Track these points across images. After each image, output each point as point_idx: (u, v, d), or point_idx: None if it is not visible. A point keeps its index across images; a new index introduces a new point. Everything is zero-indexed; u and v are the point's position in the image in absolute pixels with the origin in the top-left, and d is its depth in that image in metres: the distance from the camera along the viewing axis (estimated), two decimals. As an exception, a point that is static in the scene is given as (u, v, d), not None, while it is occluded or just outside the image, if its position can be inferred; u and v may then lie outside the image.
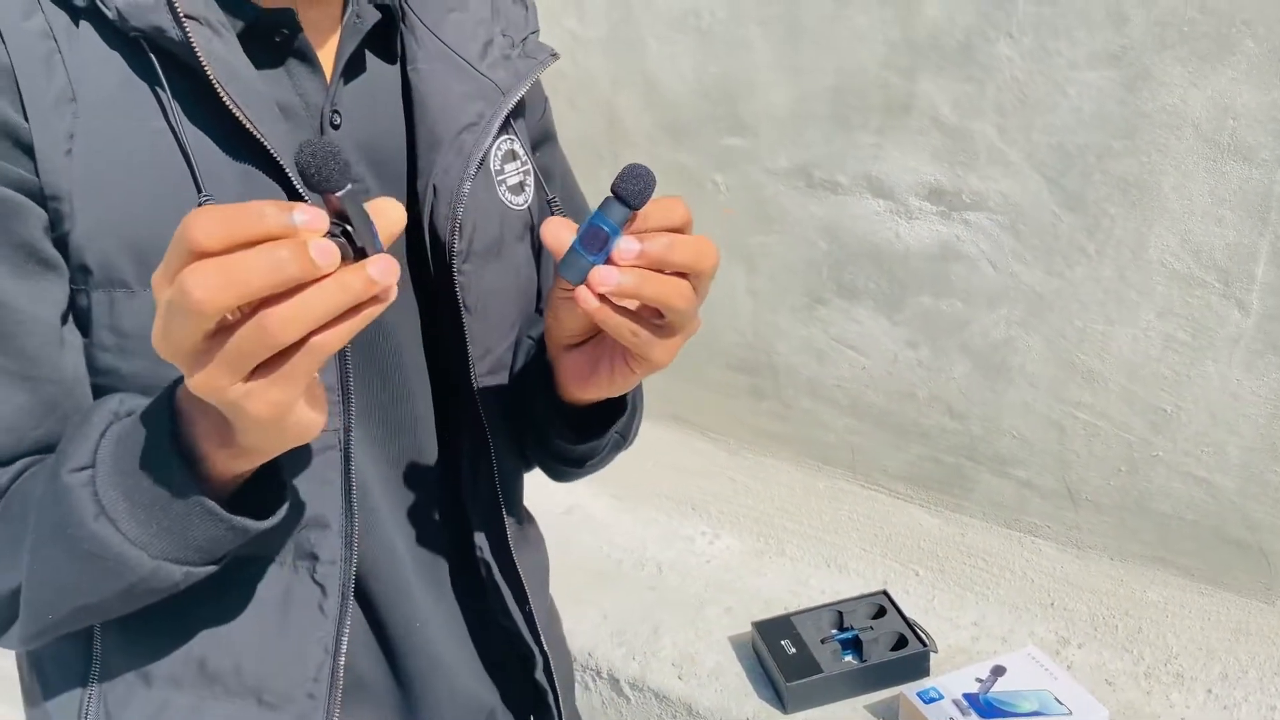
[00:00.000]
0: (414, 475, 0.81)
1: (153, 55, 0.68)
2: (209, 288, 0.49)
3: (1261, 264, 1.01)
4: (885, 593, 1.21)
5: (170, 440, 0.61)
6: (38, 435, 0.68)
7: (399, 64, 0.78)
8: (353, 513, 0.76)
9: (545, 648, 0.90)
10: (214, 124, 0.69)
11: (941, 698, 1.09)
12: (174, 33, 0.66)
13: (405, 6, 0.78)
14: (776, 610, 1.22)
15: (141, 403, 0.65)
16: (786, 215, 1.31)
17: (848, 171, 1.24)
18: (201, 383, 0.53)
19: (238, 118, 0.67)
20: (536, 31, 0.84)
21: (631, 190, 0.57)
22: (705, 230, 1.46)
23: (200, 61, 0.67)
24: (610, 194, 0.57)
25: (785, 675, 1.11)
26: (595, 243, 0.57)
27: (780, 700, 1.12)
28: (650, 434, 1.55)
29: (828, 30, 1.20)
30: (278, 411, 0.55)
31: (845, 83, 1.20)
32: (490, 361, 0.79)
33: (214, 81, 0.67)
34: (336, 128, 0.73)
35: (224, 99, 0.67)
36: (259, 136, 0.68)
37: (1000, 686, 1.10)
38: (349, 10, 0.75)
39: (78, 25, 0.67)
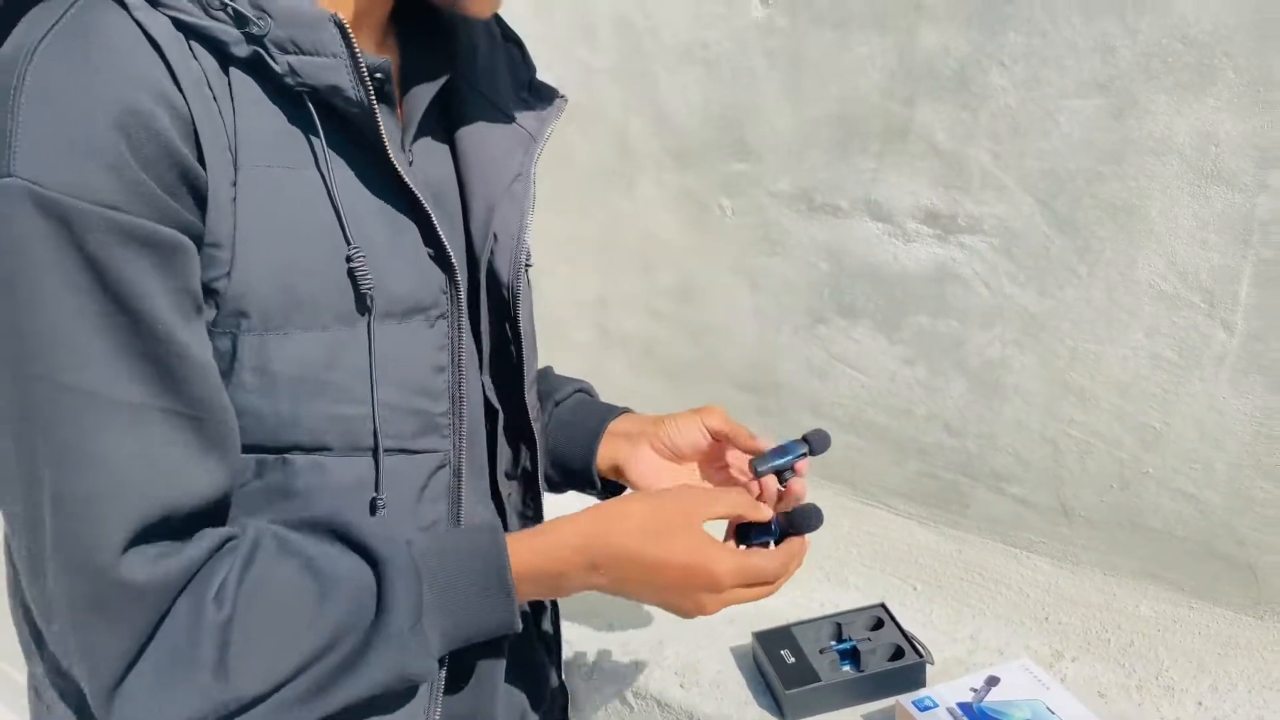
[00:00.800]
0: (480, 485, 0.89)
1: (312, 107, 0.71)
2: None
3: (1245, 285, 1.05)
4: (883, 605, 1.24)
5: (506, 594, 0.76)
6: (208, 479, 0.69)
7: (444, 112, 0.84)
8: (460, 521, 0.84)
9: (562, 648, 0.97)
10: (361, 170, 0.74)
11: (936, 706, 1.11)
12: (353, 92, 0.70)
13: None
14: (777, 621, 1.25)
15: (443, 548, 0.76)
16: (789, 238, 1.35)
17: (848, 195, 1.28)
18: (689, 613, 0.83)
19: (395, 169, 0.74)
20: (534, 71, 0.90)
21: (818, 446, 0.94)
22: (714, 250, 1.51)
23: (377, 120, 0.71)
24: (805, 438, 0.95)
25: (784, 683, 1.14)
26: (779, 455, 0.94)
27: (779, 708, 1.15)
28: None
29: (830, 60, 1.24)
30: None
31: (846, 110, 1.25)
32: (530, 382, 0.89)
33: (384, 138, 0.72)
34: (410, 166, 0.79)
35: (389, 153, 0.73)
36: (412, 187, 0.75)
37: (994, 696, 1.12)
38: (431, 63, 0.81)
39: (227, 74, 0.68)
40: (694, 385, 1.52)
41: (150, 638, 0.67)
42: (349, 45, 0.68)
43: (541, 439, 0.93)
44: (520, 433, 0.91)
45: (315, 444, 0.74)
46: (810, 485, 1.45)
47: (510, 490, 0.92)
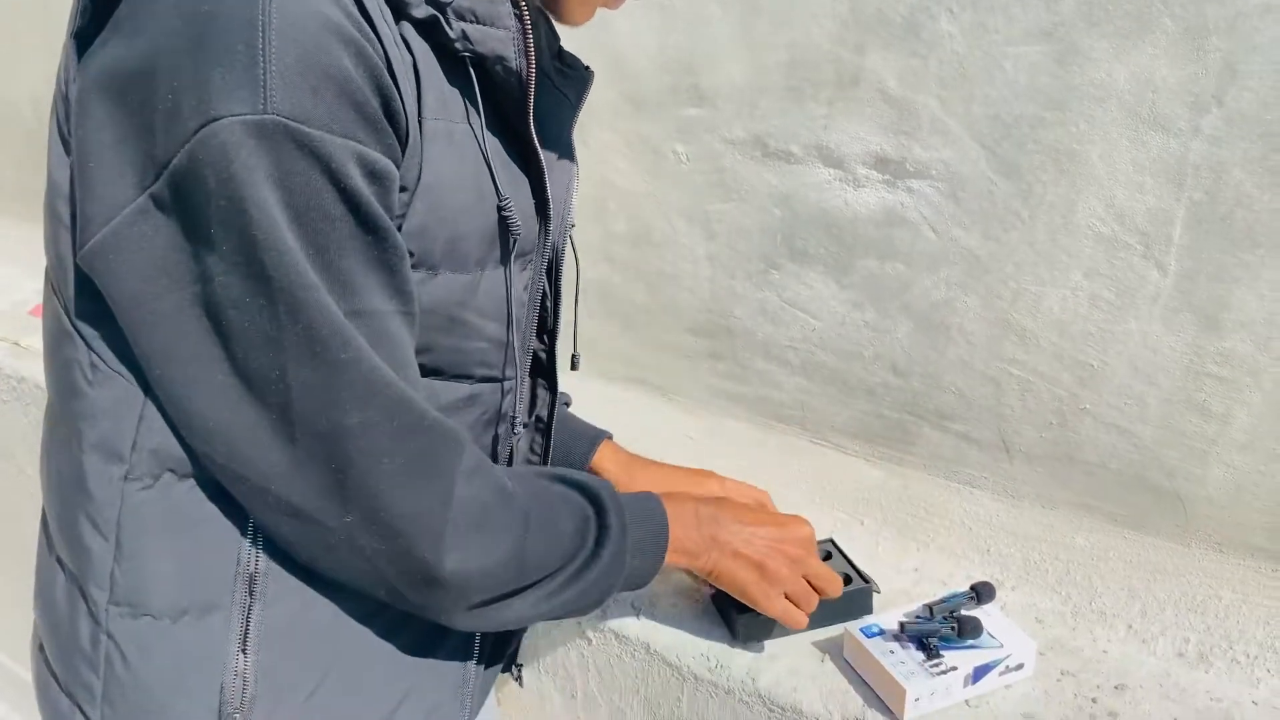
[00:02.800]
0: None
1: (473, 71, 0.77)
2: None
3: (1178, 228, 1.09)
4: (832, 539, 1.28)
5: (660, 558, 0.97)
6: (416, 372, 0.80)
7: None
8: (499, 446, 0.95)
9: None
10: (496, 127, 0.82)
11: (883, 632, 1.16)
12: (516, 63, 0.78)
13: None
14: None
15: (626, 498, 0.93)
16: (743, 184, 1.37)
17: (800, 141, 1.30)
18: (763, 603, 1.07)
19: (528, 136, 0.83)
20: (560, 40, 0.95)
21: (985, 596, 1.14)
22: (668, 196, 1.53)
23: (530, 89, 0.79)
24: (974, 588, 1.14)
25: (737, 609, 1.18)
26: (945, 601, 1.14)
27: (732, 631, 1.19)
28: (612, 395, 1.63)
29: (783, 7, 1.26)
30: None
31: (799, 57, 1.27)
32: (558, 334, 1.01)
33: (530, 108, 0.80)
34: None
35: (529, 118, 0.81)
36: (538, 148, 0.84)
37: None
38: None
39: (396, 27, 0.72)
40: (649, 332, 1.55)
41: (454, 485, 0.78)
42: (521, 22, 0.76)
43: (561, 394, 1.06)
44: (547, 380, 1.01)
45: (433, 368, 0.83)
46: (761, 428, 1.50)
47: (524, 442, 1.03)
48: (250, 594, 0.79)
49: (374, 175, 0.70)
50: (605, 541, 0.88)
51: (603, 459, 1.17)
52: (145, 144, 0.66)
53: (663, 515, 0.95)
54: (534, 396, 1.02)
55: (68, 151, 0.74)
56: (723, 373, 1.50)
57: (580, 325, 1.09)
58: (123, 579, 0.79)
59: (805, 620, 1.10)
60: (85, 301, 0.76)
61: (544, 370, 1.01)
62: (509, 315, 0.86)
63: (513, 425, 0.94)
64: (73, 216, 0.73)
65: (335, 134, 0.66)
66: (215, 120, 0.63)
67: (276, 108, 0.63)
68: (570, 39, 1.43)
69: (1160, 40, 1.04)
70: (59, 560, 0.86)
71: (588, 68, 0.96)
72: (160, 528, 0.78)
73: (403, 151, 0.72)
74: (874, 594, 1.21)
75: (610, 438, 1.20)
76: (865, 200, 1.28)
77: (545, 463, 1.06)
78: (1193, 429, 1.15)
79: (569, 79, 0.93)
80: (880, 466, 1.40)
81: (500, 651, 1.06)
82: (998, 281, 1.21)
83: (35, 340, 2.12)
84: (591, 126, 1.46)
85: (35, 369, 2.03)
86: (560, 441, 1.13)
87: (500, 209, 0.81)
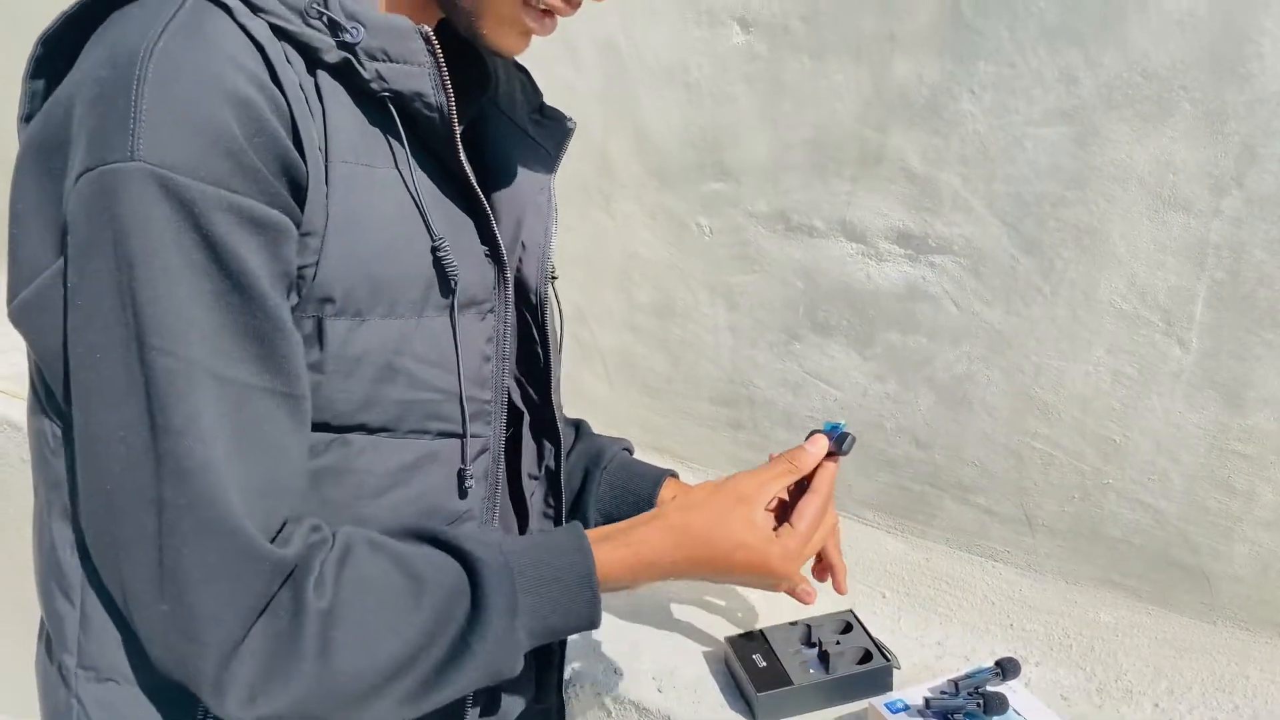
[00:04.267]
0: (501, 472, 0.94)
1: (394, 111, 0.76)
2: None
3: (1200, 305, 1.11)
4: (851, 611, 1.28)
5: (591, 591, 0.81)
6: (299, 454, 0.73)
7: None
8: (495, 504, 0.90)
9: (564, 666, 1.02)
10: (429, 169, 0.80)
11: (908, 707, 1.15)
12: (434, 98, 0.76)
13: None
14: (750, 626, 1.28)
15: (526, 547, 0.81)
16: (765, 256, 1.39)
17: (823, 216, 1.32)
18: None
19: (463, 169, 0.80)
20: (542, 97, 0.95)
21: (1010, 672, 1.09)
22: (692, 267, 1.55)
23: (454, 124, 0.77)
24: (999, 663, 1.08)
25: (756, 686, 1.17)
26: None
27: (751, 710, 1.18)
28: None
29: (807, 86, 1.29)
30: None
31: (822, 135, 1.30)
32: (556, 383, 0.95)
33: (459, 145, 0.78)
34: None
35: (460, 154, 0.79)
36: (475, 188, 0.81)
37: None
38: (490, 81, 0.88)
39: (314, 76, 0.72)
40: (671, 399, 1.56)
41: (255, 618, 0.69)
42: (434, 56, 0.75)
43: (564, 439, 1.00)
44: (546, 433, 0.96)
45: (380, 425, 0.78)
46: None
47: (534, 489, 0.97)
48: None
49: (254, 224, 0.68)
50: (482, 606, 0.76)
51: (666, 496, 1.11)
52: (58, 205, 0.69)
53: (574, 542, 0.83)
54: (539, 449, 1.00)
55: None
56: (744, 442, 1.50)
57: (599, 392, 1.10)
58: (87, 644, 0.79)
59: (815, 595, 1.03)
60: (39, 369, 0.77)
61: (539, 421, 0.97)
62: (457, 364, 0.82)
63: (497, 476, 0.89)
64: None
65: (205, 182, 0.66)
66: (88, 170, 0.66)
67: (143, 155, 0.64)
68: (596, 113, 1.47)
69: (1180, 124, 1.06)
70: (41, 624, 0.87)
71: (570, 119, 0.95)
72: None
73: (304, 197, 0.72)
74: (894, 670, 1.20)
75: (675, 475, 1.14)
76: (887, 274, 1.29)
77: (560, 516, 1.03)
78: (1217, 505, 1.15)
79: (547, 129, 0.93)
80: (902, 539, 1.40)
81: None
82: (1020, 356, 1.23)
83: None
84: (616, 198, 1.49)
85: None
86: (624, 485, 1.09)
87: (434, 249, 0.78)
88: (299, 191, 0.71)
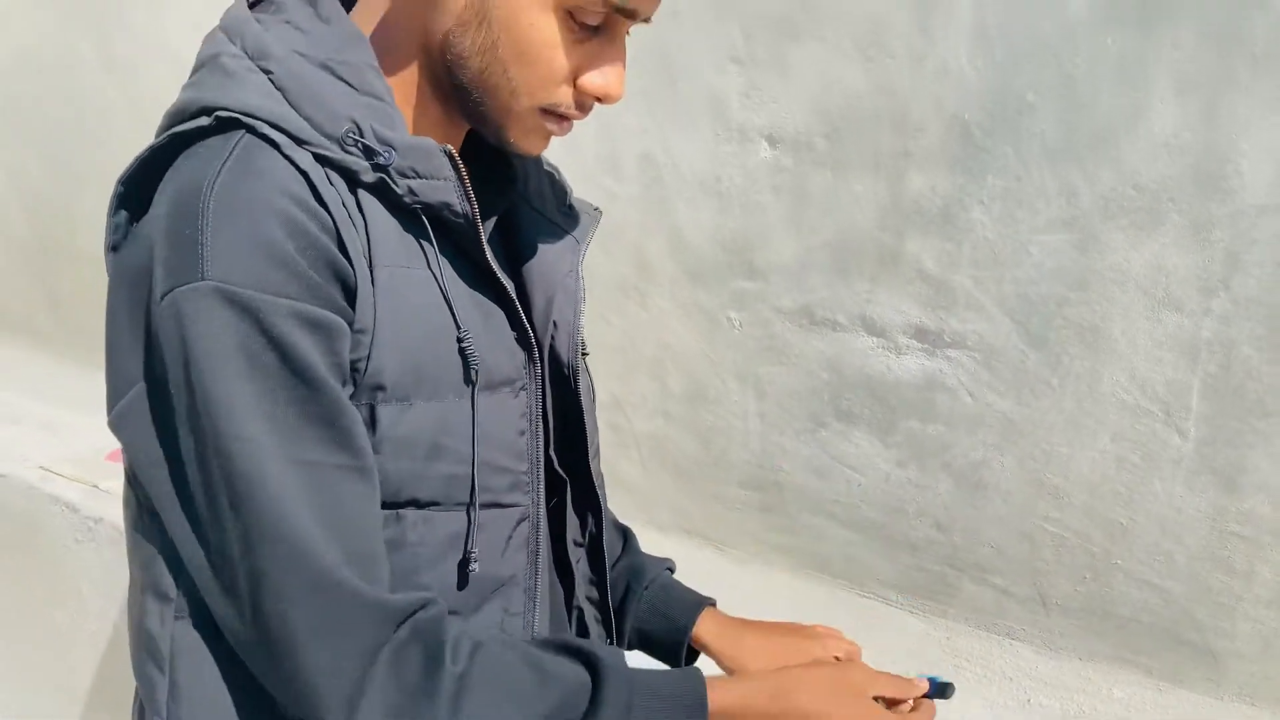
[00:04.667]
0: (544, 540, 1.01)
1: (426, 220, 0.86)
2: None
3: (1195, 397, 1.20)
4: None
5: (703, 715, 0.85)
6: (377, 522, 0.81)
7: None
8: (538, 571, 0.96)
9: None
10: (459, 267, 0.89)
11: (931, 777, 1.21)
12: (460, 207, 0.86)
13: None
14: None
15: (648, 670, 0.87)
16: (791, 349, 1.50)
17: (846, 312, 1.43)
18: None
19: (489, 266, 0.89)
20: (570, 192, 1.06)
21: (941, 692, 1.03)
22: (722, 359, 1.65)
23: (480, 231, 0.87)
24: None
25: None
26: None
27: None
28: (665, 547, 1.71)
29: (828, 196, 1.41)
30: None
31: (843, 239, 1.41)
32: (594, 452, 1.02)
33: (485, 245, 0.88)
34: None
35: (486, 254, 0.89)
36: (502, 281, 0.91)
37: (982, 769, 1.23)
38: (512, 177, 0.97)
39: (355, 194, 0.83)
40: (702, 483, 1.65)
41: (374, 663, 0.76)
42: (458, 170, 0.85)
43: (606, 510, 1.06)
44: (587, 502, 1.04)
45: (429, 499, 0.86)
46: (809, 579, 1.58)
47: (579, 557, 1.04)
48: None
49: (311, 324, 0.77)
50: (599, 708, 0.81)
51: (704, 625, 1.16)
52: (144, 326, 0.79)
53: (698, 689, 0.90)
54: (582, 519, 1.07)
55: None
56: (772, 525, 1.59)
57: (633, 477, 1.18)
58: (175, 709, 0.86)
59: None
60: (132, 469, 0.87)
61: (580, 492, 1.04)
62: (473, 440, 0.88)
63: (530, 553, 0.96)
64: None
65: (265, 292, 0.75)
66: (166, 294, 0.76)
67: (211, 275, 0.75)
68: (635, 217, 1.59)
69: (1170, 232, 1.17)
70: (137, 692, 0.95)
71: (597, 208, 1.05)
72: (207, 661, 0.85)
73: (354, 298, 0.81)
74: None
75: (714, 604, 1.20)
76: (906, 366, 1.39)
77: (604, 586, 1.10)
78: (1220, 585, 1.23)
79: (575, 219, 1.02)
80: (923, 618, 1.47)
81: None
82: (1031, 444, 1.32)
83: (114, 484, 2.23)
84: (651, 294, 1.60)
85: (113, 510, 2.11)
86: (661, 610, 1.15)
87: (459, 340, 0.86)
88: (349, 294, 0.81)
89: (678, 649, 1.11)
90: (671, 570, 1.22)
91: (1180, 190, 1.16)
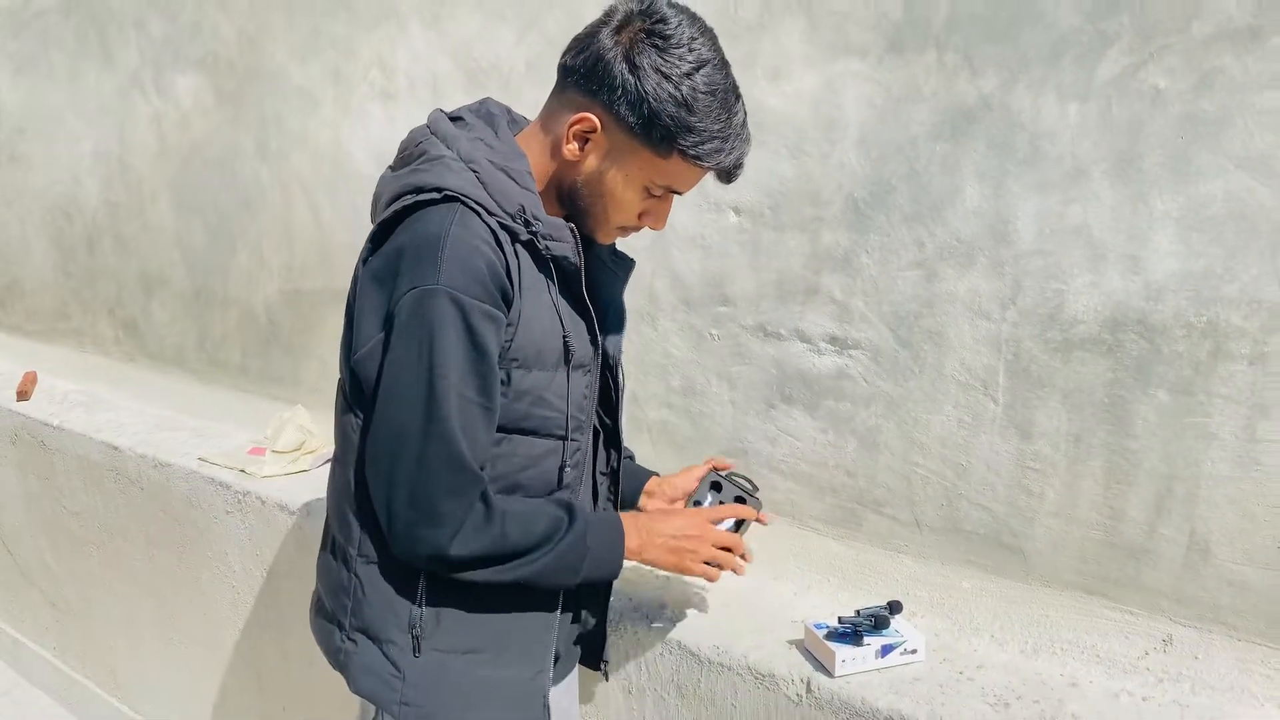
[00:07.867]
0: (588, 467, 1.60)
1: (551, 264, 1.43)
2: (709, 570, 1.59)
3: (1001, 376, 1.81)
4: (713, 468, 1.95)
5: (620, 554, 1.49)
6: (489, 442, 1.36)
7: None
8: (581, 485, 1.59)
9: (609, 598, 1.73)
10: (566, 295, 1.47)
11: (827, 626, 1.81)
12: (573, 259, 1.43)
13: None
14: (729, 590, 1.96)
15: (595, 521, 1.48)
16: (752, 354, 2.12)
17: (786, 327, 2.05)
18: (673, 569, 1.59)
19: (582, 297, 1.47)
20: (616, 245, 1.70)
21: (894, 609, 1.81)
22: (706, 363, 2.35)
23: (581, 272, 1.44)
24: (889, 604, 1.81)
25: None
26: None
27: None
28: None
29: (774, 248, 2.03)
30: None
31: (783, 277, 2.03)
32: (622, 414, 1.65)
33: (583, 281, 1.46)
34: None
35: (582, 290, 1.47)
36: (589, 305, 1.49)
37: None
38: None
39: (515, 247, 1.38)
40: (693, 454, 2.27)
41: (472, 507, 1.32)
42: (575, 238, 1.41)
43: (624, 448, 1.70)
44: (613, 444, 1.64)
45: (531, 429, 1.43)
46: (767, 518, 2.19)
47: (603, 482, 1.65)
48: (425, 578, 1.44)
49: (489, 318, 1.29)
50: (568, 535, 1.36)
51: (649, 487, 1.78)
52: (386, 305, 1.34)
53: (618, 525, 1.47)
54: (608, 454, 1.70)
55: (349, 311, 1.46)
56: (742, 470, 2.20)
57: (647, 451, 1.83)
58: (365, 539, 1.45)
59: (718, 575, 1.61)
60: (355, 388, 1.48)
61: (610, 437, 1.63)
62: (566, 397, 1.42)
63: (580, 471, 1.53)
64: (348, 345, 1.42)
65: (470, 296, 1.28)
66: (413, 289, 1.29)
67: (443, 282, 1.28)
68: (646, 263, 2.24)
69: (979, 268, 1.80)
70: (333, 539, 1.57)
71: (632, 259, 1.62)
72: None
73: (509, 306, 1.32)
74: (758, 500, 1.81)
75: (657, 474, 1.81)
76: (825, 363, 2.02)
77: (619, 500, 1.74)
78: (1024, 504, 1.82)
79: (620, 263, 1.57)
80: (841, 542, 2.07)
81: (593, 654, 1.71)
82: (904, 413, 1.93)
83: (256, 469, 2.73)
84: (658, 318, 2.25)
85: (256, 488, 2.64)
86: (630, 476, 1.76)
87: (564, 336, 1.40)
88: (508, 303, 1.35)
89: (635, 496, 1.72)
90: (631, 457, 1.83)
91: (983, 241, 1.79)
